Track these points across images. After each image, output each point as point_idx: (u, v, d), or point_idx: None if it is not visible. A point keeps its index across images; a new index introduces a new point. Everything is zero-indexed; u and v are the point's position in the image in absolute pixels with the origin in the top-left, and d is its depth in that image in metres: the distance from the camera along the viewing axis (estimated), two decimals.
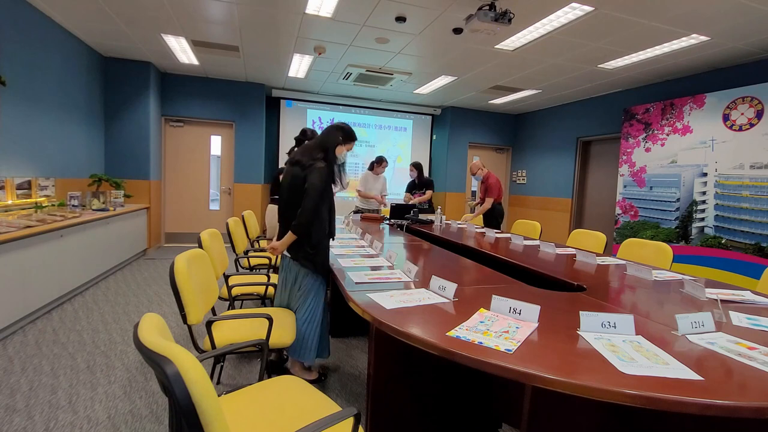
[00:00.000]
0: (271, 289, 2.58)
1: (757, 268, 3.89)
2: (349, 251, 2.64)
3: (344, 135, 2.39)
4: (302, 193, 2.17)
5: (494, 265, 2.42)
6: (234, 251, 3.36)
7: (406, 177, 8.25)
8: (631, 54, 4.36)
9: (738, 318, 1.53)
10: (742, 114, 4.14)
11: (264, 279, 2.74)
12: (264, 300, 2.65)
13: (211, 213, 6.72)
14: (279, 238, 2.31)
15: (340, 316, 3.06)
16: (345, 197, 7.40)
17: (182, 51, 5.05)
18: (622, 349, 1.15)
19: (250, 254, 3.46)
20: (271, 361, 2.53)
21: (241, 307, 2.85)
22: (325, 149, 2.28)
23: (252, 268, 3.41)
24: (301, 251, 2.24)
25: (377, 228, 4.20)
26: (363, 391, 2.33)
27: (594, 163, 6.64)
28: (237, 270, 3.25)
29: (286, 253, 2.30)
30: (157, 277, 4.62)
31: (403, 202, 5.04)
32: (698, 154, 4.51)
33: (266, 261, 3.36)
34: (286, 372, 2.38)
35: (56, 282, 3.39)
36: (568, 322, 1.38)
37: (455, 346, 1.14)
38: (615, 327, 1.30)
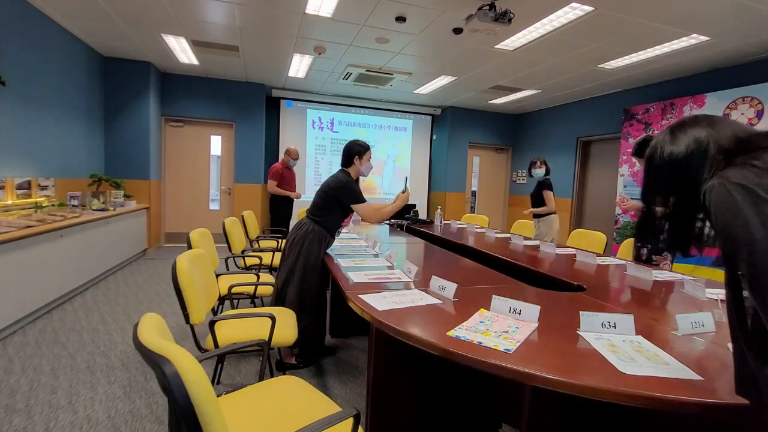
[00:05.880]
0: (261, 289, 2.58)
1: None
2: (349, 251, 2.63)
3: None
4: None
5: (494, 265, 2.42)
6: (230, 251, 3.36)
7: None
8: (631, 54, 4.36)
9: None
10: (742, 114, 4.14)
11: (254, 278, 2.73)
12: (254, 299, 2.64)
13: (211, 213, 6.72)
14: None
15: (340, 316, 3.06)
16: None
17: (182, 51, 5.05)
18: (622, 349, 1.15)
19: (247, 254, 3.46)
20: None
21: (237, 307, 2.84)
22: None
23: (249, 268, 3.40)
24: None
25: (377, 228, 4.20)
26: (363, 391, 2.32)
27: (594, 163, 6.64)
28: (227, 269, 3.25)
29: None
30: (157, 277, 4.62)
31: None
32: None
33: (257, 261, 3.33)
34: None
35: (56, 282, 3.39)
36: (568, 322, 1.38)
37: (455, 346, 1.14)
38: (615, 327, 1.29)
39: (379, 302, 1.52)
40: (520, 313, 1.40)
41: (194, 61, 5.45)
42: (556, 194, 4.43)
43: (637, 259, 2.88)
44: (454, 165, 7.89)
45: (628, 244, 3.28)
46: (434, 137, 8.18)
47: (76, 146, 4.77)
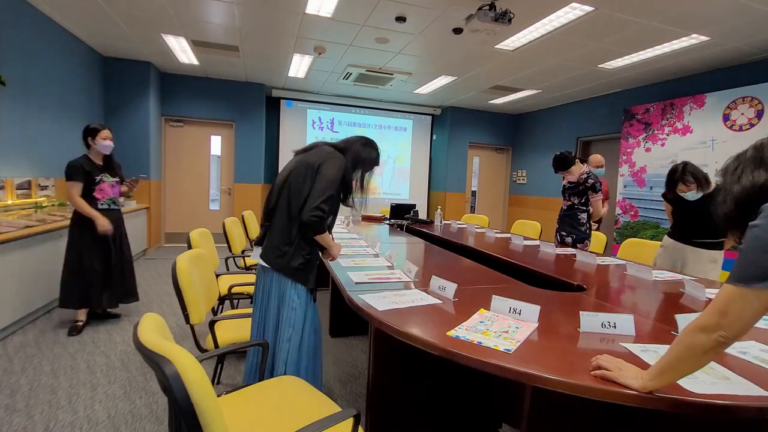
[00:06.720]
0: None
1: None
2: (349, 251, 2.63)
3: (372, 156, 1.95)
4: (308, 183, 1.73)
5: (494, 265, 2.42)
6: (230, 251, 3.36)
7: (406, 177, 8.27)
8: (631, 54, 4.36)
9: None
10: (743, 114, 4.14)
11: (254, 278, 2.72)
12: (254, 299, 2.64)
13: (211, 213, 6.72)
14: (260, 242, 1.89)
15: (340, 316, 3.06)
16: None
17: (182, 51, 5.05)
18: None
19: (247, 254, 3.45)
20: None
21: (237, 307, 2.84)
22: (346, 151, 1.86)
23: (249, 268, 3.40)
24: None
25: (377, 228, 4.20)
26: (363, 391, 2.32)
27: None
28: (227, 269, 3.24)
29: (262, 262, 1.81)
30: (157, 277, 4.62)
31: (403, 203, 5.02)
32: (698, 154, 4.50)
33: (256, 261, 3.32)
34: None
35: (56, 282, 3.37)
36: (568, 322, 1.38)
37: (455, 346, 1.14)
38: (615, 327, 1.29)
39: (379, 302, 1.52)
40: (520, 313, 1.40)
41: (194, 61, 5.45)
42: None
43: (562, 244, 3.55)
44: (454, 165, 7.89)
45: (628, 244, 3.28)
46: (434, 137, 8.18)
47: (76, 146, 4.73)
